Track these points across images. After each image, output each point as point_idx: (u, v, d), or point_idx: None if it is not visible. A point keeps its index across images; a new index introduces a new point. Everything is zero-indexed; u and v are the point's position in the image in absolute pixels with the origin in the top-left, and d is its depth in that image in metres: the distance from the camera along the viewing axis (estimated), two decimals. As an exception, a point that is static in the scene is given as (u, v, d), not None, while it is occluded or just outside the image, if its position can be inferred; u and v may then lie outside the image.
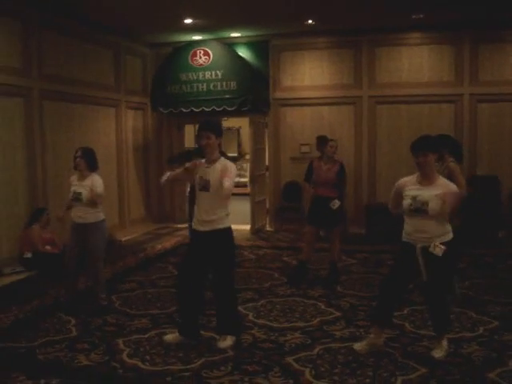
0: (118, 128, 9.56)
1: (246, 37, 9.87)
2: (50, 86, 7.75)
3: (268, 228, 10.10)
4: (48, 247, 7.06)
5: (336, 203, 6.14)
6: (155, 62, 10.33)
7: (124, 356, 4.19)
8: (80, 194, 5.21)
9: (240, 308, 5.30)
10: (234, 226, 10.05)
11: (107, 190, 9.11)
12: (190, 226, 4.70)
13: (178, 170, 4.49)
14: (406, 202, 3.99)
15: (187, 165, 4.30)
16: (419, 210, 3.92)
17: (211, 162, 4.28)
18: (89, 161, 5.32)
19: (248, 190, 10.24)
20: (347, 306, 5.39)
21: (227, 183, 4.09)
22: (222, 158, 4.34)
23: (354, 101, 9.55)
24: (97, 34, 8.86)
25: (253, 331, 4.70)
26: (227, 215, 4.36)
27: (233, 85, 9.15)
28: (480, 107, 9.02)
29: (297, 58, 9.78)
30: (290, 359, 4.09)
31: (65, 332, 4.72)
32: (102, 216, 5.35)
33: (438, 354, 4.06)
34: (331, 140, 6.41)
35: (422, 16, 8.40)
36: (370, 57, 9.41)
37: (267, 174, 10.37)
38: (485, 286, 5.95)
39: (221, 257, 4.33)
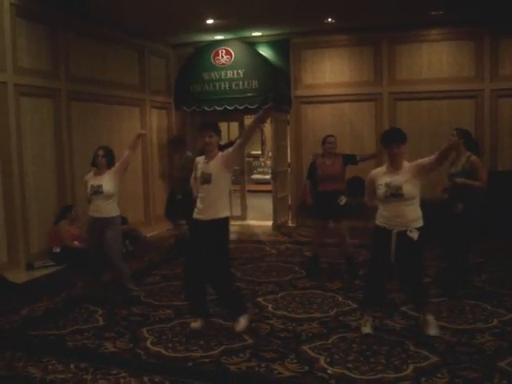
0: (142, 127, 9.78)
1: (267, 36, 10.02)
2: (78, 87, 8.03)
3: (290, 224, 10.24)
4: (76, 242, 7.35)
5: (343, 199, 6.28)
6: (178, 62, 10.55)
7: (148, 343, 4.41)
8: (100, 186, 5.40)
9: (260, 299, 5.50)
10: (256, 222, 10.24)
11: (133, 187, 9.46)
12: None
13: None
14: (381, 190, 4.25)
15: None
16: (394, 194, 4.18)
17: (211, 157, 4.59)
18: (109, 159, 5.54)
19: (270, 186, 10.40)
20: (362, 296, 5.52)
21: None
22: (220, 153, 4.64)
23: (375, 97, 9.62)
24: (121, 35, 9.12)
25: (271, 321, 4.88)
26: (226, 205, 4.66)
27: (254, 83, 9.31)
28: (500, 102, 9.01)
29: (317, 55, 9.90)
30: (305, 347, 4.26)
31: (92, 321, 4.98)
32: (118, 210, 5.56)
33: (432, 331, 4.31)
34: (330, 136, 6.47)
35: (441, 12, 8.43)
36: (390, 54, 9.47)
37: (289, 170, 10.53)
38: (502, 280, 5.99)
39: (217, 243, 4.56)
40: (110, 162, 5.55)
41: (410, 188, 4.18)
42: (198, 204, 4.62)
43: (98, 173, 5.52)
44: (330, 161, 6.36)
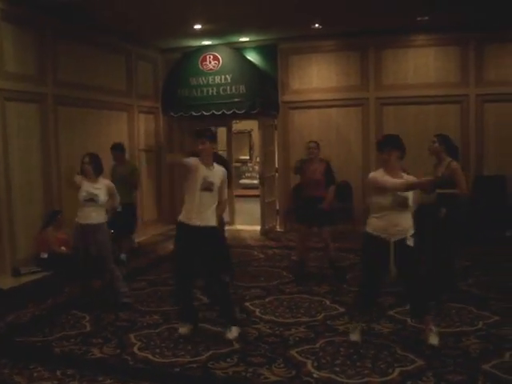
0: (130, 132, 9.79)
1: (255, 41, 10.06)
2: (64, 91, 7.99)
3: (278, 229, 10.26)
4: (63, 248, 7.29)
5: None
6: (166, 67, 10.54)
7: (135, 349, 4.40)
8: (96, 195, 5.39)
9: (247, 304, 5.51)
10: (244, 227, 10.24)
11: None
12: None
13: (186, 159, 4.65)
14: (387, 199, 4.17)
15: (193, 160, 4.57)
16: (401, 204, 4.17)
17: (209, 165, 4.62)
18: (96, 167, 5.53)
19: (258, 191, 10.40)
20: (351, 301, 5.53)
21: (226, 196, 4.85)
22: (221, 167, 4.74)
23: (361, 102, 9.68)
24: (109, 40, 9.10)
25: (259, 326, 4.89)
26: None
27: (242, 88, 9.32)
28: (486, 107, 9.10)
29: (304, 61, 9.94)
30: (293, 352, 4.27)
31: (79, 327, 4.95)
32: (105, 217, 5.57)
33: (434, 340, 4.24)
34: (310, 141, 6.51)
35: (426, 18, 8.52)
36: (377, 59, 9.54)
37: (277, 175, 10.55)
38: (489, 284, 6.04)
39: (217, 248, 4.69)
40: (97, 169, 5.55)
41: (413, 200, 4.23)
42: (191, 209, 4.57)
43: (91, 180, 5.49)
44: (313, 166, 6.37)
